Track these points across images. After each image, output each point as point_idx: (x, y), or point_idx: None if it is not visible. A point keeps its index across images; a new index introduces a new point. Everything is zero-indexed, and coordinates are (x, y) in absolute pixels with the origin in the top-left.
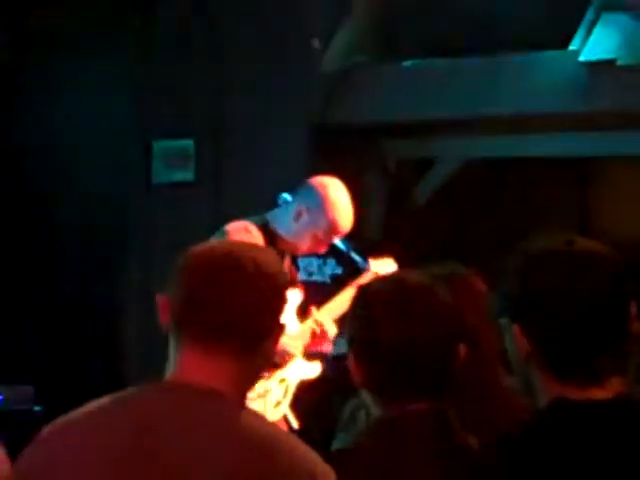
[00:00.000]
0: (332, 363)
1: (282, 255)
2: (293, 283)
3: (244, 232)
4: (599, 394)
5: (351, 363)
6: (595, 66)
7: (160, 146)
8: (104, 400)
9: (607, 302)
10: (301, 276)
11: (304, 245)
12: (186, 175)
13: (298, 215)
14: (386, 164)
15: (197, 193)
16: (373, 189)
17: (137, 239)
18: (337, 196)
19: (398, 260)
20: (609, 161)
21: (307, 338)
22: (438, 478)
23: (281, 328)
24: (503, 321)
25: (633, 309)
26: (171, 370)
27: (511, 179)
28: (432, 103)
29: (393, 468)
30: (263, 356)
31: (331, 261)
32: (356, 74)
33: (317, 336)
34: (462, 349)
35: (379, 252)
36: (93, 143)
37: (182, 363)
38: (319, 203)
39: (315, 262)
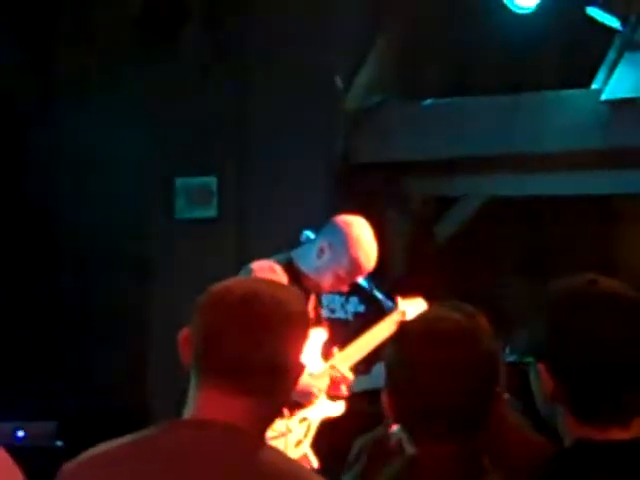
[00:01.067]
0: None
1: (307, 293)
2: (318, 322)
3: (269, 271)
4: (621, 435)
5: (385, 398)
6: (617, 105)
7: (183, 182)
8: (124, 439)
9: (630, 343)
10: (324, 313)
11: (326, 283)
12: (209, 212)
13: (321, 252)
14: (408, 202)
15: (220, 230)
16: (395, 227)
17: (159, 275)
18: (361, 234)
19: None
20: (631, 198)
21: (327, 380)
22: None
23: (301, 368)
24: (530, 360)
25: None
26: (190, 408)
27: (532, 217)
28: (454, 141)
29: None
30: (282, 395)
31: (354, 299)
32: (377, 112)
33: (335, 382)
34: (502, 394)
35: (401, 290)
36: (116, 180)
37: (201, 401)
38: (342, 240)
39: (338, 299)
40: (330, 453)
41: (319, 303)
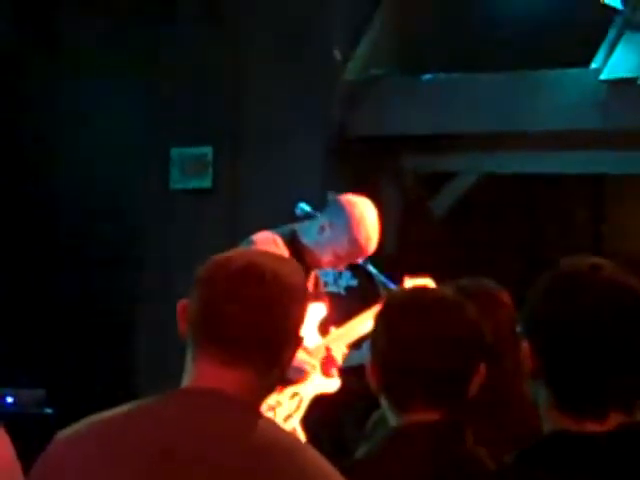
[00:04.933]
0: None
1: (308, 268)
2: (318, 297)
3: (271, 243)
4: (598, 427)
5: (369, 368)
6: (616, 84)
7: (178, 152)
8: (119, 409)
9: (622, 336)
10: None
11: (325, 260)
12: (203, 182)
13: (322, 229)
14: (403, 177)
15: (214, 200)
16: (389, 202)
17: (153, 244)
18: (363, 216)
19: (413, 273)
20: (626, 179)
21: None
22: None
23: (299, 341)
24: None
25: None
26: (186, 378)
27: (528, 195)
28: (450, 117)
29: (396, 478)
30: (279, 367)
31: (347, 273)
32: (375, 86)
33: (326, 361)
34: (482, 368)
35: (394, 265)
36: (112, 149)
37: (197, 372)
38: (344, 221)
39: (331, 274)
40: (318, 425)
41: (320, 278)
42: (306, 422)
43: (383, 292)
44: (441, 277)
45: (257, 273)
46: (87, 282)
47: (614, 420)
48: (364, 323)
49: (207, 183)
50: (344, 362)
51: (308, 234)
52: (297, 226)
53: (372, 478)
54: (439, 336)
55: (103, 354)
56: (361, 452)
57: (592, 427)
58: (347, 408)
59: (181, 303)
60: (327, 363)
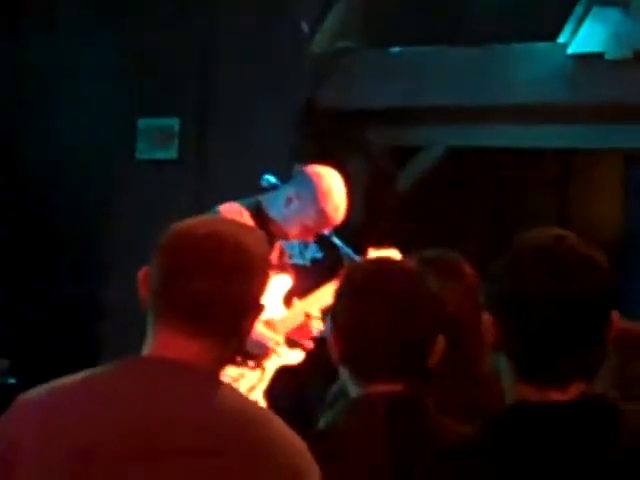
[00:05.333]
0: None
1: (273, 239)
2: (284, 268)
3: (237, 214)
4: (559, 396)
5: (330, 339)
6: (583, 59)
7: (145, 123)
8: (78, 376)
9: (584, 305)
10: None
11: (293, 232)
12: (170, 153)
13: (289, 201)
14: (370, 150)
15: (180, 171)
16: (356, 175)
17: (120, 214)
18: (330, 187)
19: (378, 244)
20: (592, 154)
21: (290, 327)
22: (395, 460)
23: (260, 309)
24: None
25: (614, 317)
26: (147, 346)
27: (494, 168)
28: (418, 91)
29: (357, 448)
30: (239, 337)
31: (312, 245)
32: (343, 59)
33: (301, 327)
34: (441, 340)
35: (360, 237)
36: (79, 119)
37: (157, 340)
38: (311, 191)
39: (297, 246)
40: (281, 397)
41: (285, 250)
42: (269, 394)
43: (348, 264)
44: (406, 249)
45: (219, 242)
46: (53, 250)
47: (576, 389)
48: (327, 294)
49: (173, 154)
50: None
51: (274, 206)
52: (263, 197)
53: (332, 449)
54: (398, 307)
55: (68, 324)
56: (322, 423)
57: (555, 396)
58: (310, 380)
59: (142, 270)
60: (302, 331)
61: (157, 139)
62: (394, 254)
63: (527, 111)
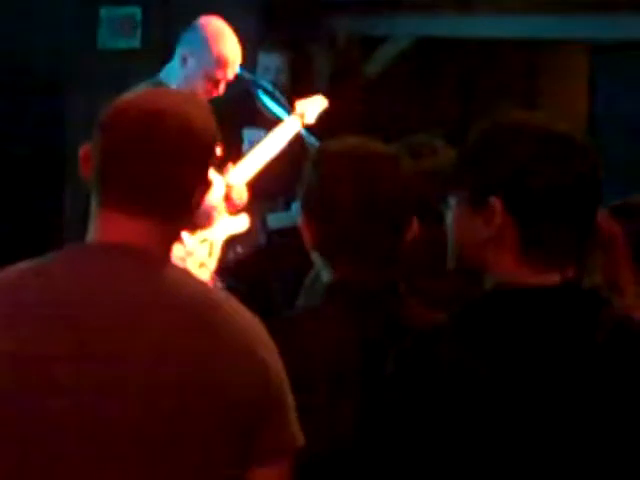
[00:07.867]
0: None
1: None
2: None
3: None
4: (552, 280)
5: (303, 224)
6: None
7: (107, 12)
8: (23, 265)
9: (588, 187)
10: (245, 148)
11: (201, 89)
12: (132, 42)
13: (184, 61)
14: (334, 39)
15: (143, 60)
16: (320, 64)
17: (80, 104)
18: (217, 29)
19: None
20: (558, 47)
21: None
22: (365, 342)
23: (207, 186)
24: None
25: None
26: (91, 231)
27: (460, 59)
28: None
29: (328, 329)
30: (187, 214)
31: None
32: None
33: (230, 198)
34: (415, 222)
35: (323, 124)
36: (40, 7)
37: (101, 223)
38: (201, 40)
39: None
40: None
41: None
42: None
43: (311, 149)
44: (372, 134)
45: (161, 117)
46: (17, 141)
47: (560, 275)
48: (268, 153)
49: (136, 43)
50: (273, 223)
51: (173, 74)
52: (160, 75)
53: (298, 335)
54: (368, 190)
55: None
56: (298, 307)
57: (549, 278)
58: (274, 271)
59: (84, 148)
60: (228, 202)
61: (119, 28)
62: (319, 100)
63: (496, 1)
